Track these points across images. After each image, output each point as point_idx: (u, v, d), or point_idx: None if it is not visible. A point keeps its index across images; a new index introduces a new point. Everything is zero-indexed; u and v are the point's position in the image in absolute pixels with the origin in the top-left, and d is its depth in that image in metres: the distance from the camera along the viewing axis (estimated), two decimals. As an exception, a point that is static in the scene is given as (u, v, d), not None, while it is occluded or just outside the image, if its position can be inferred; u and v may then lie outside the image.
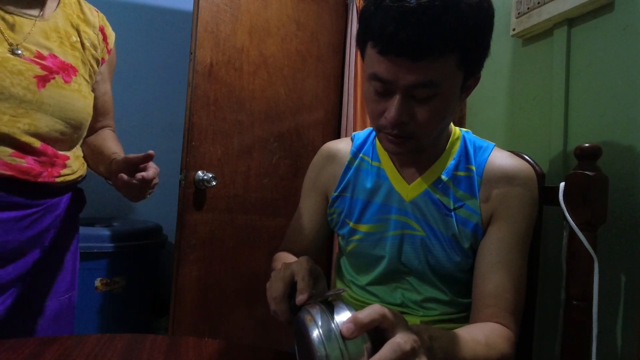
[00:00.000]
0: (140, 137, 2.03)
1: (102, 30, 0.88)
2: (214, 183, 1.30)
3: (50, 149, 0.75)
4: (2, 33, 0.70)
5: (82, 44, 0.82)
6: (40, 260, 0.77)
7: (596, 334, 0.62)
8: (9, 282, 0.72)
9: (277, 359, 0.58)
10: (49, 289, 0.79)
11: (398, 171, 0.73)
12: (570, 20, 0.82)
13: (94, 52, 0.85)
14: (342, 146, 0.80)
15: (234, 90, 1.40)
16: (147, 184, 0.73)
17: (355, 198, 0.75)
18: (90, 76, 0.84)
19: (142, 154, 0.73)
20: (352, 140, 0.80)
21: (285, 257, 0.76)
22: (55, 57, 0.75)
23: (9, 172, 0.68)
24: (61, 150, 0.78)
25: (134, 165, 0.73)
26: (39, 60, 0.72)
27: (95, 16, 0.88)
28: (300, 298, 0.47)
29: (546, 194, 0.72)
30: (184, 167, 1.28)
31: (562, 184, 0.67)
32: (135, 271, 1.65)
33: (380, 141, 0.66)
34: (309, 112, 1.66)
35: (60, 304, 0.81)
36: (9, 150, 0.69)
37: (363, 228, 0.73)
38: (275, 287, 0.51)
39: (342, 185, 0.76)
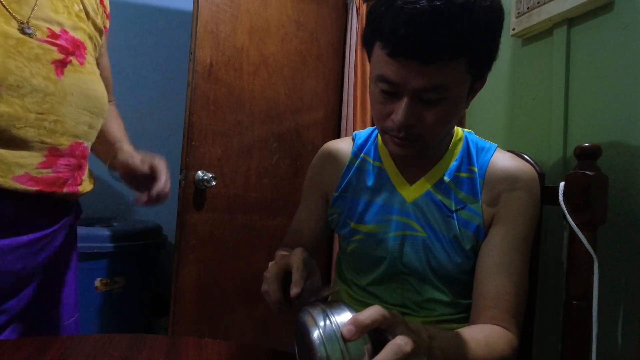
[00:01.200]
0: (140, 137, 2.03)
1: None
2: (213, 183, 1.30)
3: (79, 148, 0.67)
4: (6, 8, 0.56)
5: (87, 13, 0.70)
6: (48, 283, 0.70)
7: (596, 333, 0.62)
8: (19, 313, 0.65)
9: (276, 359, 0.58)
10: (57, 312, 0.72)
11: (400, 172, 0.72)
12: (570, 20, 0.82)
13: (96, 20, 0.73)
14: (343, 146, 0.80)
15: (234, 90, 1.40)
16: (164, 196, 0.71)
17: (356, 198, 0.75)
18: (94, 51, 0.73)
19: (146, 167, 0.71)
20: (353, 139, 0.80)
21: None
22: (66, 32, 0.63)
23: (36, 187, 0.60)
24: (89, 145, 0.71)
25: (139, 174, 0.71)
26: (53, 40, 0.60)
27: None
28: (294, 291, 0.48)
29: (546, 194, 0.72)
30: (184, 167, 1.28)
31: (562, 184, 0.67)
32: (135, 271, 1.65)
33: (385, 143, 0.65)
34: (309, 112, 1.66)
35: (66, 331, 0.74)
36: (37, 161, 0.60)
37: (364, 228, 0.73)
38: (271, 277, 0.52)
39: (343, 186, 0.76)
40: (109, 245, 1.53)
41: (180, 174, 1.28)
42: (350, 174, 0.76)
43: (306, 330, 0.40)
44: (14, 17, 0.57)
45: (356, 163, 0.76)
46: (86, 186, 0.73)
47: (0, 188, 0.56)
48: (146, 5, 2.07)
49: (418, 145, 0.61)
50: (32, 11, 0.59)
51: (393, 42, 0.53)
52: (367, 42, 0.60)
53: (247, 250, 1.45)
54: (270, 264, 0.55)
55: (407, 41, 0.51)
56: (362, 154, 0.77)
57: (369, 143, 0.78)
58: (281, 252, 0.78)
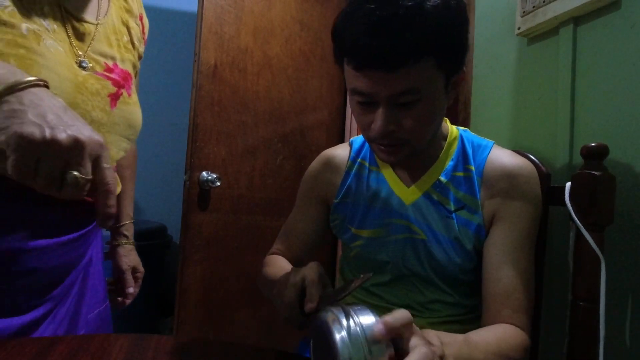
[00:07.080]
0: (145, 137, 2.03)
1: (141, 19, 0.77)
2: (218, 183, 1.31)
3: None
4: (72, 44, 0.60)
5: (133, 44, 0.74)
6: (84, 272, 0.74)
7: (603, 335, 0.62)
8: (61, 300, 0.68)
9: (281, 359, 0.58)
10: (90, 300, 0.75)
11: (397, 175, 0.72)
12: (576, 19, 0.82)
13: (140, 49, 0.76)
14: (341, 152, 0.80)
15: (238, 90, 1.40)
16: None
17: (355, 203, 0.74)
18: (135, 79, 0.76)
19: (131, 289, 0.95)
20: (350, 145, 0.80)
21: (280, 263, 0.76)
22: (117, 66, 0.67)
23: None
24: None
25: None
26: (109, 75, 0.65)
27: (135, 1, 0.76)
28: (309, 306, 0.47)
29: (552, 194, 0.71)
30: (189, 168, 1.28)
31: (568, 184, 0.67)
32: (140, 271, 1.65)
33: (374, 152, 0.66)
34: (313, 113, 1.66)
35: (99, 316, 0.78)
36: None
37: (365, 233, 0.73)
38: (287, 294, 0.50)
39: (343, 192, 0.76)
40: (115, 245, 1.53)
41: (185, 174, 1.29)
42: (349, 180, 0.76)
43: (329, 331, 0.39)
44: (75, 53, 0.60)
45: (354, 169, 0.76)
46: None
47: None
48: (151, 6, 2.08)
49: (406, 149, 0.62)
50: (89, 46, 0.62)
51: (356, 56, 0.54)
52: (337, 59, 0.61)
53: (252, 250, 1.45)
54: (282, 280, 0.54)
55: (368, 53, 0.52)
56: (359, 159, 0.77)
57: (366, 148, 0.78)
58: (277, 260, 0.77)
